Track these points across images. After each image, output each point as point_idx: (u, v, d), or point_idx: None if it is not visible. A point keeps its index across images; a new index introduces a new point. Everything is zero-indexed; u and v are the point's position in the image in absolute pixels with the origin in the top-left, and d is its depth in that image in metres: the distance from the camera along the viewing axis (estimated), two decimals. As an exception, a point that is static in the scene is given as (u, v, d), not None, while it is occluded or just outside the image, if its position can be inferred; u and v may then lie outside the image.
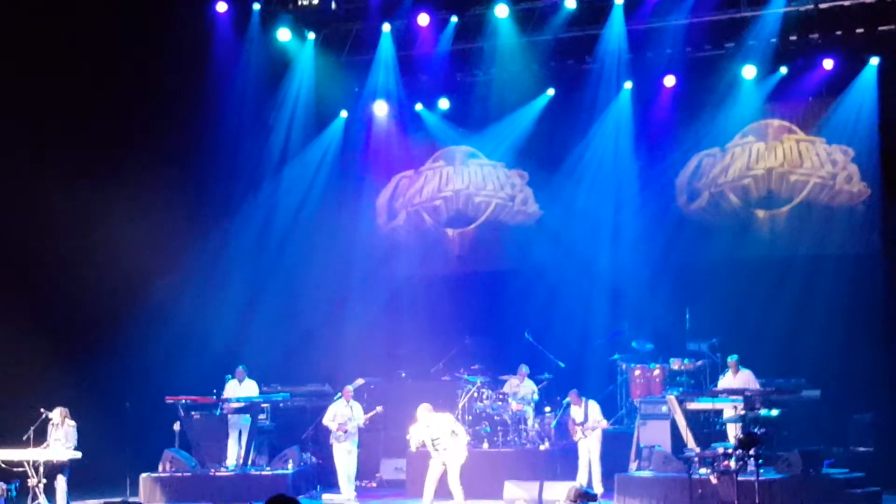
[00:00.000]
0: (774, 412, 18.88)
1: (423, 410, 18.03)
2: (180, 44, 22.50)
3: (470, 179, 25.40)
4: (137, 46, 21.90)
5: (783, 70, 22.58)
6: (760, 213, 23.03)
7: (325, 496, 19.82)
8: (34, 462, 18.55)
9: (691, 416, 19.76)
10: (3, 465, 18.42)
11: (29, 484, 18.47)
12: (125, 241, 22.04)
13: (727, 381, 19.68)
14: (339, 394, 20.66)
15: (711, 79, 22.92)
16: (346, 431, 20.18)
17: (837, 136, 22.59)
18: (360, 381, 20.95)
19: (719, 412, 19.46)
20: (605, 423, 19.98)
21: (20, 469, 18.43)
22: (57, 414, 19.10)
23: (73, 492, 19.36)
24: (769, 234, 22.86)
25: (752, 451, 16.41)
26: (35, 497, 18.55)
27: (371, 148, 25.69)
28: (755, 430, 17.56)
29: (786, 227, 22.77)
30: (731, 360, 19.76)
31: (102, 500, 18.96)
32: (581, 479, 19.56)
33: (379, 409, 20.53)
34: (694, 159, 23.51)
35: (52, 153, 21.86)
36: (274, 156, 24.79)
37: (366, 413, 20.43)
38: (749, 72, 22.59)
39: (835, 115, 22.56)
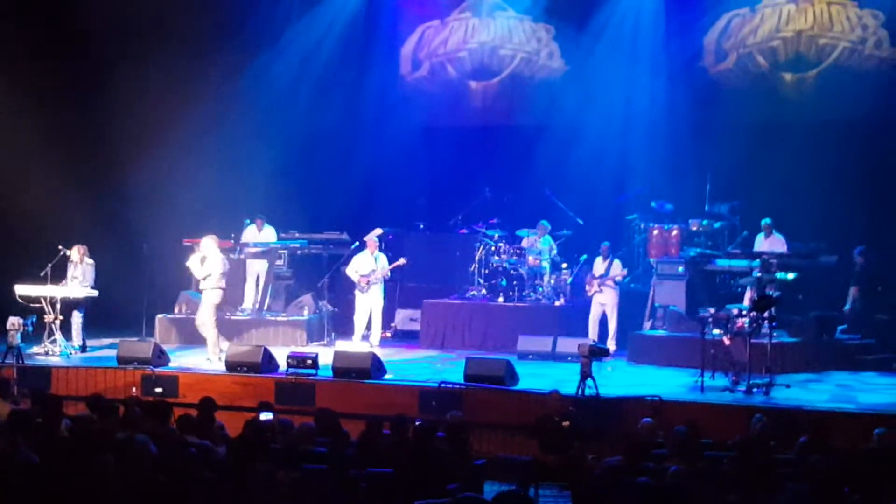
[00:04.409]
0: (790, 276, 18.90)
1: (208, 241, 18.55)
2: None
3: (496, 32, 25.02)
4: None
5: (818, -74, 22.11)
6: (788, 77, 22.69)
7: (339, 343, 19.96)
8: (51, 298, 18.70)
9: (707, 278, 19.82)
10: (21, 301, 18.57)
11: (45, 320, 18.66)
12: (145, 79, 21.90)
13: (759, 243, 19.67)
14: (357, 243, 20.71)
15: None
16: (369, 282, 20.26)
17: (868, -1, 22.21)
18: (378, 231, 20.94)
19: (735, 274, 19.49)
20: (623, 272, 20.02)
21: (37, 305, 18.59)
22: (75, 251, 19.21)
23: (88, 329, 19.57)
24: (796, 98, 22.50)
25: (766, 314, 16.44)
26: (51, 333, 18.75)
27: (397, -4, 25.39)
28: (770, 292, 17.58)
29: (813, 91, 22.41)
30: (765, 223, 19.73)
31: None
32: (592, 336, 19.68)
33: (403, 261, 20.56)
34: (723, 19, 23.08)
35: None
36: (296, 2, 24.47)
37: (390, 264, 20.50)
38: (782, -70, 22.14)
39: (867, -24, 22.14)
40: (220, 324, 19.03)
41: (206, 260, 18.37)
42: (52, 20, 22.03)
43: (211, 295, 18.50)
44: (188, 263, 18.65)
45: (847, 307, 19.66)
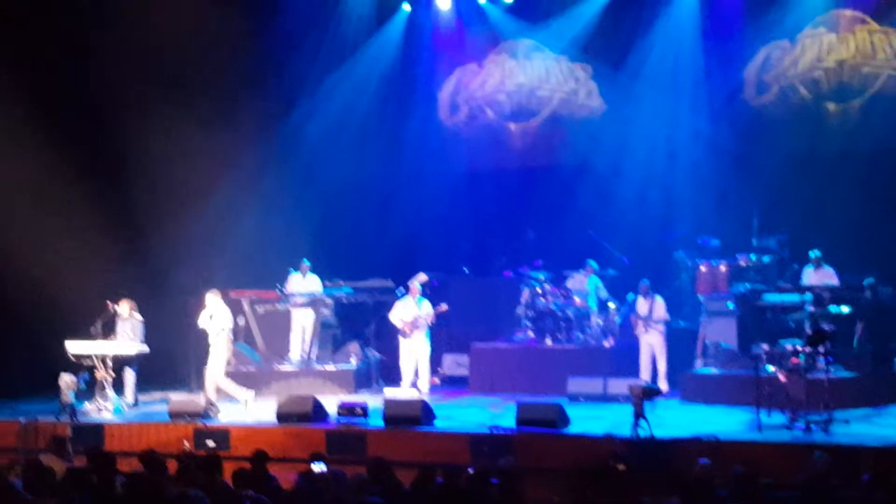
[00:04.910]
0: (845, 309, 18.65)
1: (211, 296, 18.74)
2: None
3: (533, 73, 25.03)
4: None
5: (856, -43, 22.01)
6: (831, 107, 22.52)
7: (388, 390, 19.88)
8: (102, 355, 18.73)
9: (758, 313, 19.59)
10: (73, 358, 18.62)
11: (97, 377, 18.69)
12: (192, 139, 21.91)
13: (808, 276, 19.48)
14: (402, 289, 20.64)
15: (782, -32, 22.42)
16: (412, 328, 20.18)
17: (911, 26, 22.04)
18: (422, 277, 20.87)
19: (787, 309, 19.26)
20: (666, 317, 19.84)
21: (89, 362, 18.63)
22: (124, 307, 19.28)
23: (139, 385, 19.62)
24: (840, 128, 22.32)
25: (821, 349, 16.22)
26: (104, 390, 18.77)
27: (434, 41, 25.40)
28: (824, 327, 17.36)
29: (857, 120, 22.23)
30: (814, 255, 19.51)
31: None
32: (644, 376, 19.52)
33: (444, 306, 20.46)
34: (763, 52, 22.98)
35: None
36: (335, 48, 24.52)
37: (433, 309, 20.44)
38: (821, -41, 22.07)
39: (909, 4, 21.98)
40: (266, 376, 19.01)
41: (215, 315, 18.47)
42: (82, 66, 22.03)
43: (222, 348, 18.58)
44: (198, 322, 18.78)
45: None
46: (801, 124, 22.60)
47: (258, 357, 21.39)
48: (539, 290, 21.39)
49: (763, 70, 22.96)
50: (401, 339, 20.37)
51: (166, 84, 22.12)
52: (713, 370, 19.28)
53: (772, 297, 19.49)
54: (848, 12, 22.42)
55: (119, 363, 19.07)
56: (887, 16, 22.10)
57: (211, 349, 18.80)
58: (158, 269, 22.23)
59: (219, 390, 18.84)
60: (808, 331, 17.52)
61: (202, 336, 19.30)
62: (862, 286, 19.22)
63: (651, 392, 16.47)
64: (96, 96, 21.84)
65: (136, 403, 19.37)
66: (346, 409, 17.11)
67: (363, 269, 22.63)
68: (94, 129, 22.05)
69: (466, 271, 23.69)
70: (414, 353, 20.32)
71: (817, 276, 19.46)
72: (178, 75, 22.18)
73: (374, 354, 21.24)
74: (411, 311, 20.32)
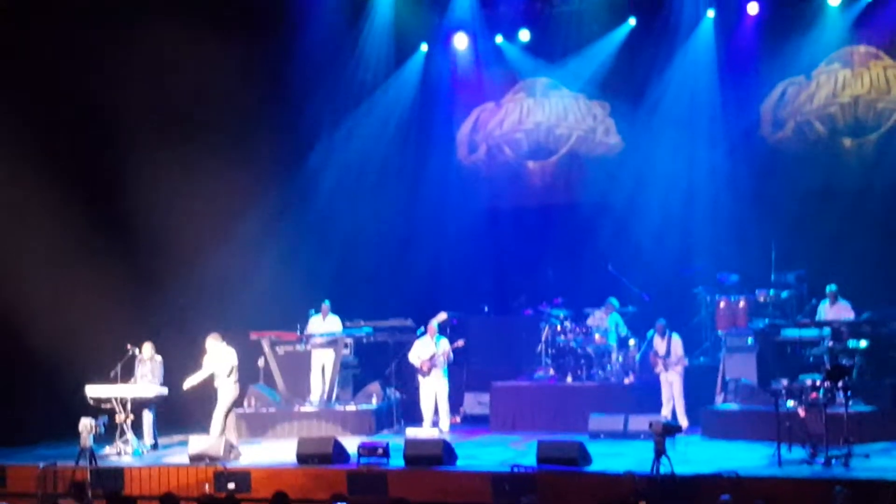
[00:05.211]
0: (863, 343, 18.64)
1: (211, 340, 18.72)
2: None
3: (551, 111, 25.16)
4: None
5: (869, -6, 22.10)
6: (847, 142, 22.60)
7: (409, 430, 19.88)
8: (122, 398, 18.78)
9: (778, 348, 19.59)
10: (92, 402, 18.67)
11: (117, 420, 18.72)
12: (209, 182, 21.99)
13: (824, 310, 19.47)
14: (423, 328, 20.70)
15: (795, 6, 22.54)
16: (430, 367, 20.24)
17: (925, 61, 22.11)
18: (442, 316, 20.92)
19: (806, 344, 19.25)
20: (684, 362, 19.83)
21: (108, 405, 18.67)
22: (146, 349, 19.32)
23: (159, 427, 19.63)
24: (856, 163, 22.40)
25: (840, 384, 16.20)
26: (123, 433, 18.80)
27: (451, 81, 25.55)
28: (843, 361, 17.35)
29: (873, 155, 22.30)
30: (830, 290, 19.52)
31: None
32: (665, 412, 19.51)
33: (461, 342, 20.51)
34: (778, 88, 23.10)
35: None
36: (354, 90, 24.67)
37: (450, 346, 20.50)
38: (834, -3, 22.18)
39: (922, 40, 22.06)
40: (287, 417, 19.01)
41: (216, 359, 18.61)
42: (100, 121, 22.09)
43: (228, 391, 18.66)
44: (205, 368, 18.79)
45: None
46: (817, 160, 22.69)
47: (278, 398, 21.43)
48: (559, 328, 21.43)
49: (779, 106, 23.07)
50: (420, 378, 20.43)
51: (184, 127, 22.15)
52: (733, 406, 19.27)
53: (791, 333, 19.51)
54: (862, 48, 22.54)
55: (138, 406, 19.10)
56: (901, 51, 22.22)
57: (218, 392, 18.82)
58: (180, 309, 22.30)
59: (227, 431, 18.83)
60: (827, 365, 17.49)
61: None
62: (882, 319, 19.23)
63: (672, 429, 16.44)
64: (113, 144, 21.89)
65: (155, 446, 19.35)
66: (367, 450, 17.11)
67: (384, 309, 22.68)
68: (112, 175, 22.03)
69: (486, 310, 23.74)
70: (433, 391, 20.38)
71: (833, 310, 19.48)
72: (197, 118, 22.23)
73: (394, 394, 21.27)
74: (429, 350, 20.39)
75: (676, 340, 19.91)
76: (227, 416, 18.64)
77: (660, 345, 19.95)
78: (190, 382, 18.68)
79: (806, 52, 22.75)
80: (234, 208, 22.40)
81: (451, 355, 20.47)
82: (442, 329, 20.84)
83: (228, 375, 18.64)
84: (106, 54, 21.51)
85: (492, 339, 22.90)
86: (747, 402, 19.00)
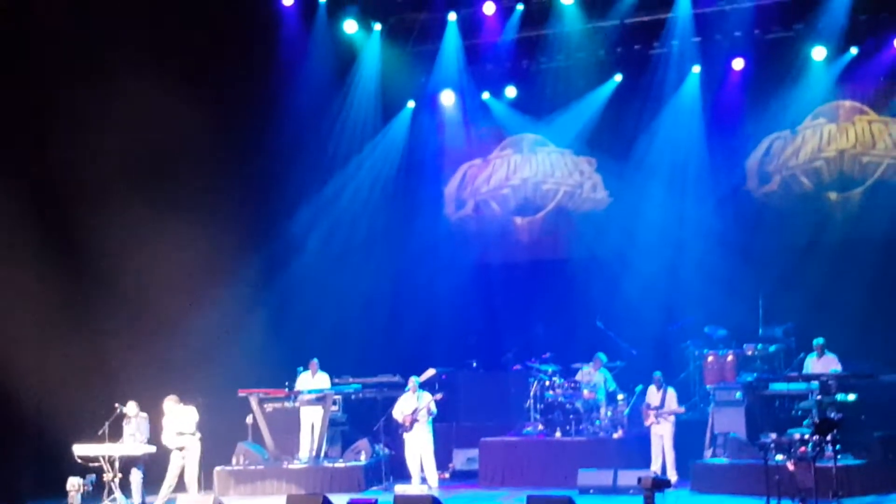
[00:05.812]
0: (851, 397, 18.65)
1: (170, 402, 18.99)
2: (245, 37, 22.48)
3: (538, 167, 25.29)
4: (201, 39, 21.79)
5: (853, 50, 22.21)
6: (833, 196, 22.73)
7: (398, 487, 19.81)
8: (109, 457, 18.70)
9: (766, 402, 19.59)
10: (80, 460, 18.59)
11: (105, 479, 18.64)
12: (194, 240, 21.96)
13: (812, 364, 19.50)
14: (408, 385, 20.71)
15: (781, 61, 22.66)
16: (412, 421, 20.24)
17: (910, 116, 22.26)
18: (430, 372, 20.91)
19: (794, 397, 19.26)
20: (680, 410, 19.85)
21: (96, 464, 18.59)
22: (130, 407, 19.27)
23: (147, 485, 19.50)
24: (842, 217, 22.54)
25: (829, 437, 16.20)
26: (111, 492, 18.69)
27: (438, 138, 25.68)
28: (832, 415, 17.35)
29: (859, 209, 22.44)
30: (818, 343, 19.57)
31: None
32: (654, 467, 19.48)
33: (439, 395, 20.59)
34: (764, 142, 23.27)
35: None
36: (341, 148, 24.73)
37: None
38: (819, 53, 22.29)
39: (907, 94, 22.23)
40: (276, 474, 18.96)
41: (176, 420, 18.81)
42: (69, 168, 22.01)
43: (197, 447, 18.87)
44: (169, 431, 19.03)
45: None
46: (803, 214, 22.82)
47: (267, 455, 21.34)
48: (548, 383, 21.42)
49: (765, 161, 23.23)
50: (404, 434, 20.42)
51: (167, 186, 22.09)
52: (722, 460, 19.24)
53: (779, 386, 19.51)
54: (847, 103, 22.74)
55: (126, 464, 19.01)
56: (885, 106, 22.43)
57: (186, 451, 18.85)
58: (165, 370, 22.21)
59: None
60: (816, 419, 17.49)
61: (212, 434, 19.39)
62: (871, 372, 19.25)
63: (661, 483, 16.39)
64: (96, 203, 21.76)
65: (144, 504, 19.30)
66: (356, 507, 17.05)
67: (373, 366, 22.70)
68: (96, 234, 21.92)
69: (475, 365, 23.73)
70: (417, 446, 20.37)
71: (820, 363, 19.52)
72: (182, 178, 22.15)
73: (383, 450, 21.20)
74: (411, 405, 20.42)
75: (672, 393, 19.96)
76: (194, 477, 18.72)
77: (654, 397, 19.96)
78: (171, 444, 18.92)
79: (791, 107, 22.93)
80: (221, 268, 22.35)
81: (434, 408, 20.47)
82: (430, 385, 20.83)
83: (194, 433, 18.63)
84: (89, 112, 21.54)
85: (481, 395, 22.88)
86: (736, 456, 18.98)
